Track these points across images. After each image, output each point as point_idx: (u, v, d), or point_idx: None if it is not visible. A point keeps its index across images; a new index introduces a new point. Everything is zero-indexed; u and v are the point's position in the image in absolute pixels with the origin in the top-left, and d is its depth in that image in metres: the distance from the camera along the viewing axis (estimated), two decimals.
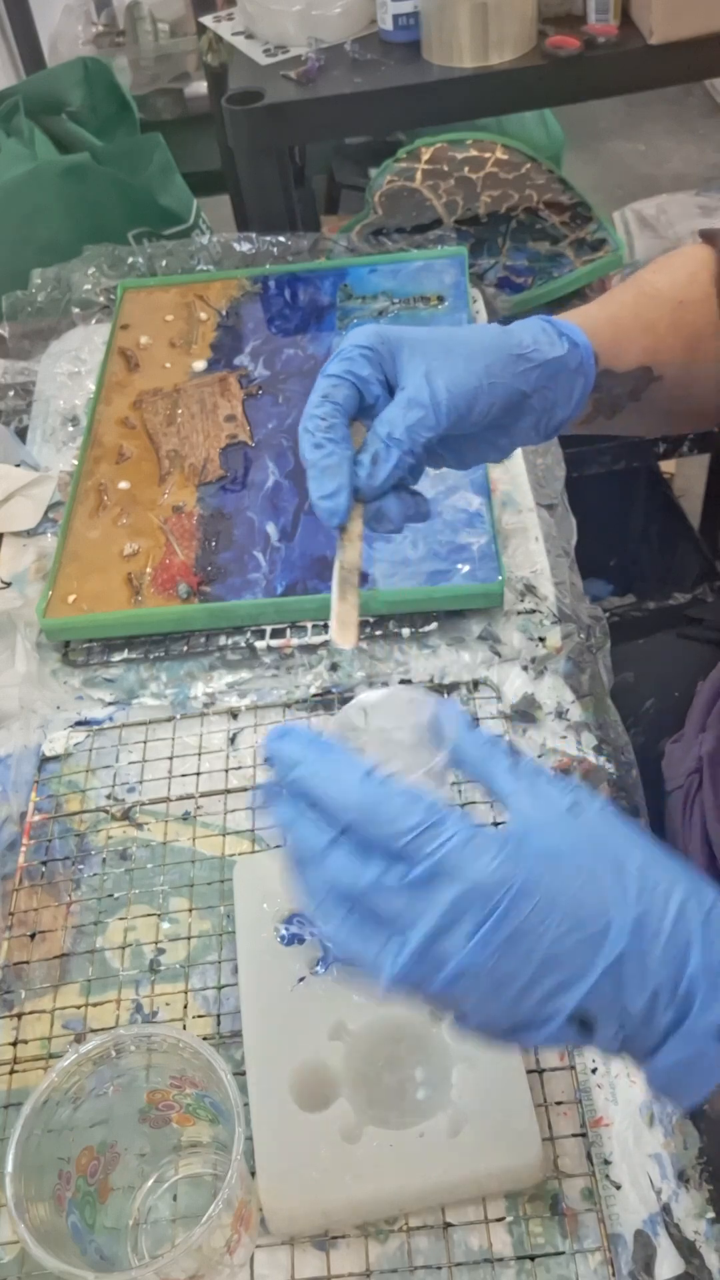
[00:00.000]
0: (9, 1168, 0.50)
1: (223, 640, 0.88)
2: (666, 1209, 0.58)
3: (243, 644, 0.88)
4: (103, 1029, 0.67)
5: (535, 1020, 0.41)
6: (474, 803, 0.76)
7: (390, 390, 0.60)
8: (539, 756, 0.78)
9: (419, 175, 1.61)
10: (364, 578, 0.89)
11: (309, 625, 0.88)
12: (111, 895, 0.74)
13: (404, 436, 0.57)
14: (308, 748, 0.45)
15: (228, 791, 0.79)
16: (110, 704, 0.86)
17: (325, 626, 0.88)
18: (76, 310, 1.23)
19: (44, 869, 0.76)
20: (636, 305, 0.70)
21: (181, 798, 0.79)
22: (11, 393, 1.15)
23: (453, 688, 0.83)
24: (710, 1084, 0.41)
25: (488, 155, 1.60)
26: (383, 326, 0.60)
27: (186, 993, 0.69)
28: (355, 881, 0.42)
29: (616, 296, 0.71)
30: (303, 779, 0.44)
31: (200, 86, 2.30)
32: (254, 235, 1.29)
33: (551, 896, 0.41)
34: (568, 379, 0.63)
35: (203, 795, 0.79)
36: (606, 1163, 0.60)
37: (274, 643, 0.87)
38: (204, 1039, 0.66)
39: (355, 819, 0.42)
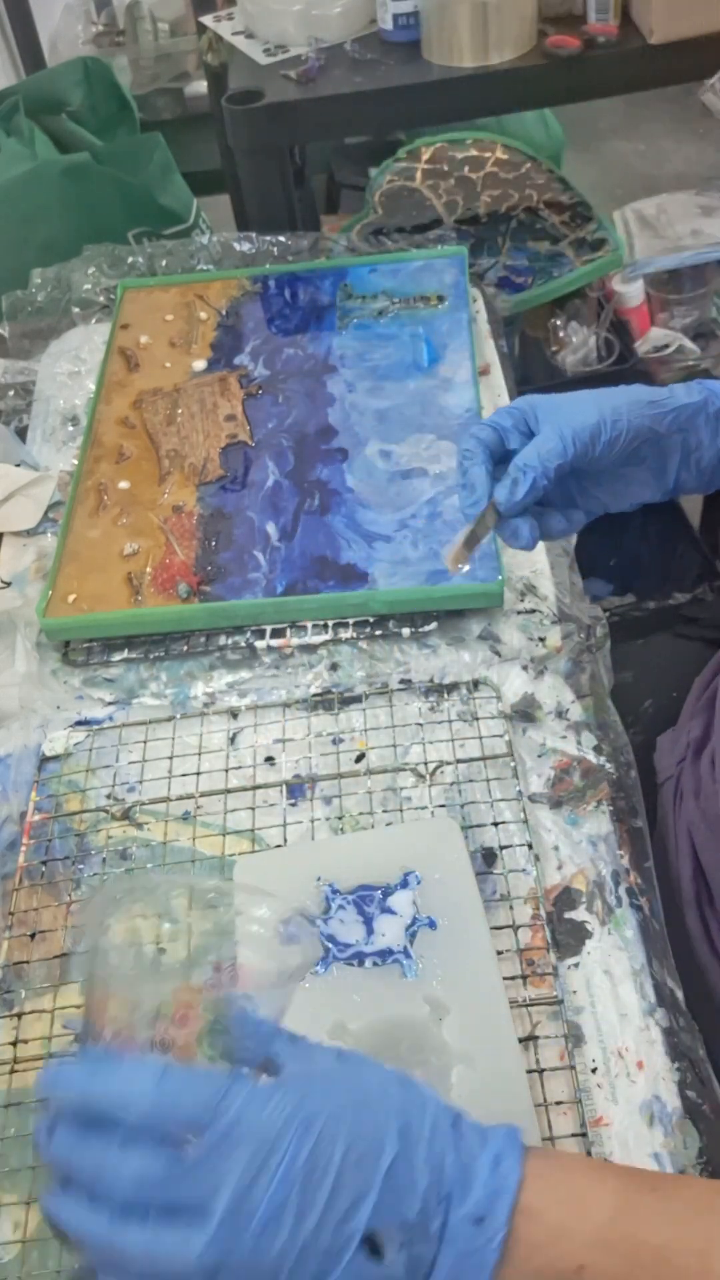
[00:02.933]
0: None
1: (223, 640, 0.88)
2: None
3: (243, 644, 0.88)
4: None
5: (332, 1249, 0.42)
6: (474, 802, 0.76)
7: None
8: (539, 756, 0.78)
9: (419, 175, 1.61)
10: (364, 577, 0.89)
11: (309, 625, 0.88)
12: (111, 896, 0.74)
13: (536, 463, 0.66)
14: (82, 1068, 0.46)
15: (228, 791, 0.79)
16: (110, 704, 0.86)
17: (325, 626, 0.88)
18: (76, 310, 1.23)
19: (44, 869, 0.76)
20: None
21: (181, 797, 0.79)
22: (11, 392, 1.15)
23: (453, 688, 0.83)
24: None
25: (488, 155, 1.60)
26: (520, 399, 0.69)
27: None
28: (149, 1173, 0.42)
29: None
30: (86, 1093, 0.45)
31: (200, 86, 2.30)
32: (254, 235, 1.29)
33: (333, 1119, 0.44)
34: (708, 423, 0.69)
35: (203, 795, 0.79)
36: None
37: (274, 642, 0.87)
38: None
39: (142, 1120, 0.43)
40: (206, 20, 1.69)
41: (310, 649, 0.87)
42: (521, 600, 0.88)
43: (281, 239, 1.28)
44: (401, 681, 0.84)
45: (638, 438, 0.68)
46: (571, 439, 0.66)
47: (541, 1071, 0.63)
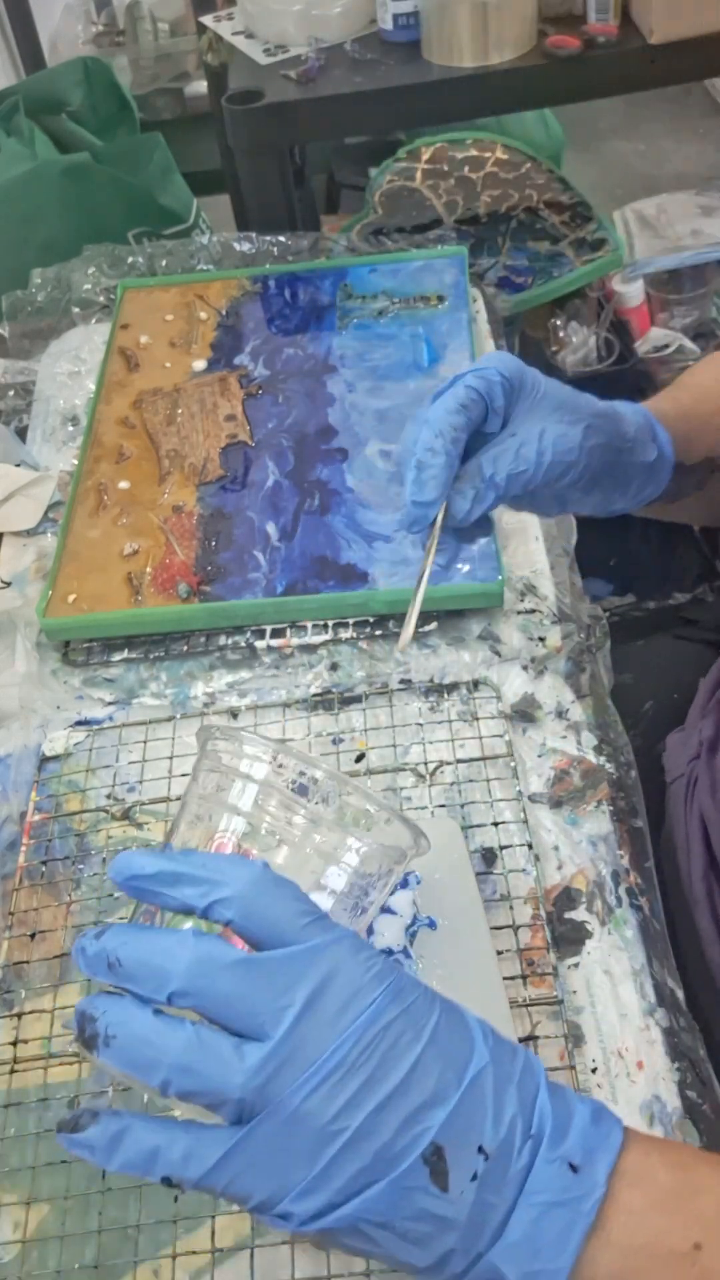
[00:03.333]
0: None
1: (223, 640, 0.88)
2: None
3: (243, 644, 0.88)
4: None
5: (388, 1155, 0.37)
6: (474, 802, 0.76)
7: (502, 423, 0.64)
8: (539, 756, 0.78)
9: (419, 175, 1.61)
10: (364, 577, 0.89)
11: (309, 625, 0.88)
12: (112, 895, 0.74)
13: (504, 482, 0.62)
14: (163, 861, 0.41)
15: None
16: (110, 704, 0.86)
17: (325, 626, 0.88)
18: (76, 310, 1.23)
19: (44, 869, 0.76)
20: (697, 405, 0.74)
21: (181, 798, 0.79)
22: (11, 392, 1.15)
23: (453, 688, 0.83)
24: (569, 1245, 0.38)
25: (488, 155, 1.61)
26: (521, 363, 0.64)
27: None
28: (217, 956, 0.38)
29: (677, 395, 0.75)
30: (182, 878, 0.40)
31: (200, 86, 2.30)
32: (254, 235, 1.29)
33: (424, 1003, 0.40)
34: (643, 477, 0.69)
35: None
36: None
37: (274, 642, 0.87)
38: None
39: (238, 911, 0.39)
40: (206, 20, 1.69)
41: (310, 649, 0.87)
42: (521, 600, 0.88)
43: (281, 239, 1.28)
44: (401, 681, 0.84)
45: (598, 477, 0.66)
46: (548, 466, 0.63)
47: None
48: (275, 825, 0.46)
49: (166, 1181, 0.38)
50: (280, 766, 0.48)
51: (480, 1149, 0.38)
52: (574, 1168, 0.38)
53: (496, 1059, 0.40)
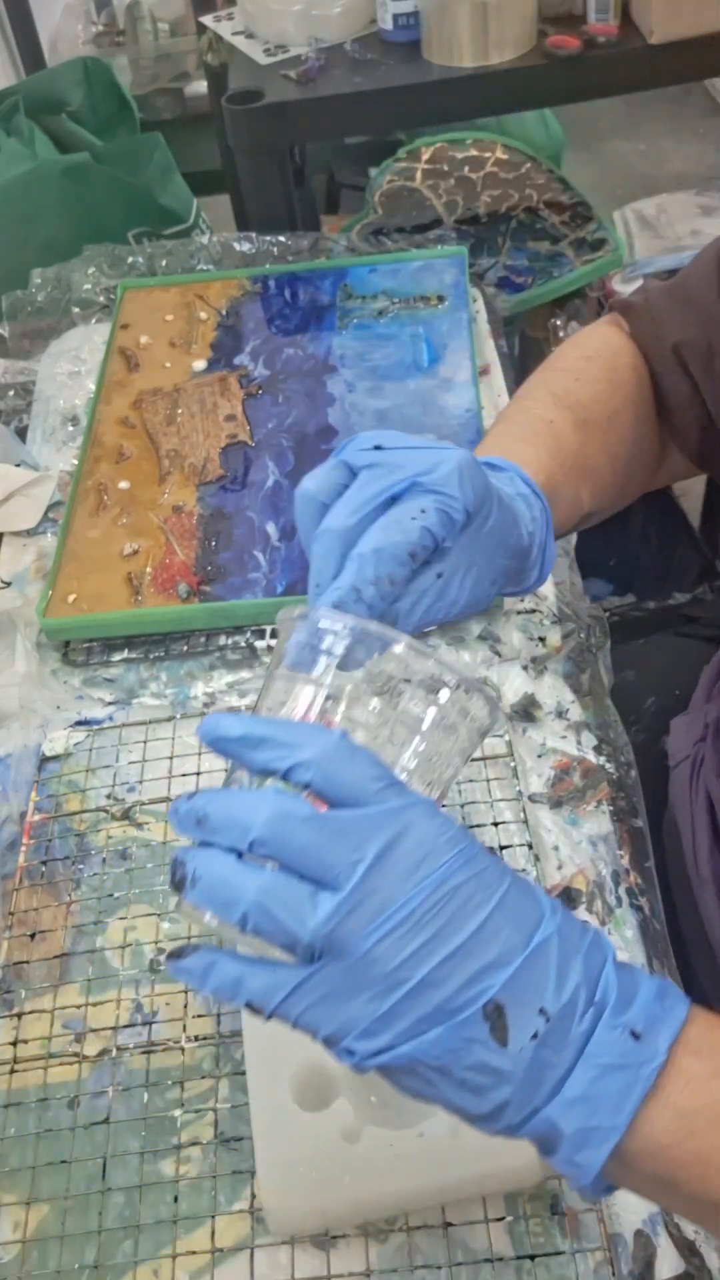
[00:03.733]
0: None
1: (223, 640, 0.88)
2: (667, 1209, 0.58)
3: (243, 644, 0.88)
4: (103, 1029, 0.67)
5: (449, 1008, 0.39)
6: (474, 802, 0.76)
7: None
8: (539, 756, 0.78)
9: (419, 175, 1.61)
10: None
11: None
12: (111, 895, 0.74)
13: (415, 625, 0.54)
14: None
15: None
16: (110, 704, 0.86)
17: None
18: (76, 310, 1.23)
19: (44, 869, 0.76)
20: (583, 448, 0.67)
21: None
22: (11, 392, 1.15)
23: None
24: (627, 1105, 0.40)
25: (488, 155, 1.61)
26: (484, 485, 0.53)
27: (186, 992, 0.69)
28: (295, 810, 0.40)
29: (566, 438, 0.66)
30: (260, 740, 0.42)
31: (200, 86, 2.30)
32: (254, 235, 1.29)
33: (495, 871, 0.41)
34: (524, 583, 0.62)
35: None
36: None
37: (274, 642, 0.87)
38: (203, 1039, 0.66)
39: (317, 773, 0.41)
40: (206, 20, 1.69)
41: None
42: (521, 600, 0.88)
43: (281, 239, 1.28)
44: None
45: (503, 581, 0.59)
46: (461, 608, 0.56)
47: None
48: (356, 696, 0.47)
49: (250, 1007, 0.41)
50: (360, 640, 0.48)
51: (542, 1010, 0.40)
52: (636, 1035, 0.40)
53: (564, 931, 0.41)
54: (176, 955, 0.43)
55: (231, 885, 0.40)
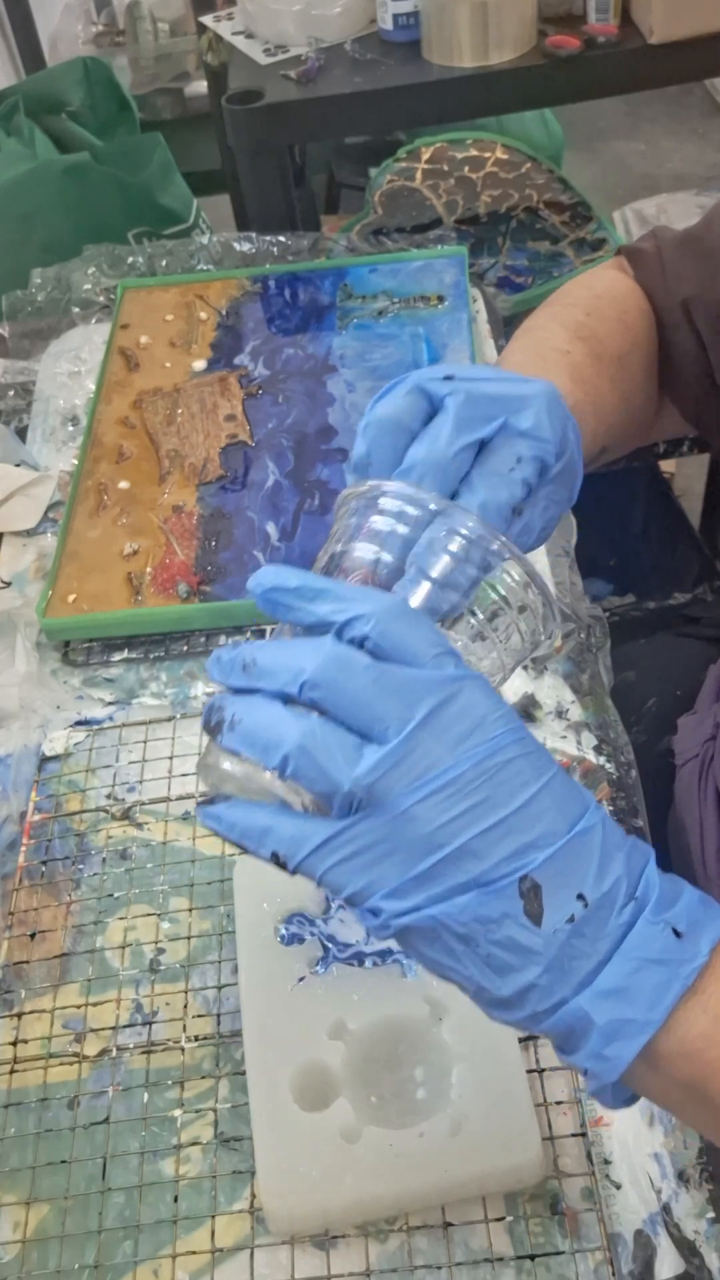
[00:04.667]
0: None
1: (223, 640, 0.88)
2: (666, 1209, 0.58)
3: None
4: (103, 1029, 0.67)
5: (484, 878, 0.38)
6: None
7: None
8: None
9: (419, 175, 1.61)
10: None
11: None
12: (111, 895, 0.74)
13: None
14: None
15: None
16: (110, 704, 0.86)
17: None
18: (76, 310, 1.23)
19: (44, 869, 0.76)
20: (598, 381, 0.64)
21: (181, 797, 0.79)
22: (11, 392, 1.15)
23: None
24: (664, 1000, 0.39)
25: (488, 155, 1.61)
26: (568, 424, 0.51)
27: (186, 992, 0.69)
28: (352, 657, 0.39)
29: (584, 369, 0.63)
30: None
31: (200, 86, 2.30)
32: (254, 235, 1.29)
33: (543, 755, 0.41)
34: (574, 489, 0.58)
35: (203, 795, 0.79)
36: (606, 1162, 0.60)
37: None
38: (204, 1039, 0.66)
39: (375, 628, 0.40)
40: (206, 20, 1.69)
41: None
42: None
43: (281, 239, 1.28)
44: None
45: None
46: (535, 537, 0.53)
47: (541, 1071, 0.63)
48: (419, 561, 0.45)
49: (276, 860, 0.40)
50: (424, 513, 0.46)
51: (580, 896, 0.39)
52: (678, 933, 0.39)
53: (608, 825, 0.40)
54: (206, 802, 0.42)
55: (275, 728, 0.39)
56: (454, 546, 0.45)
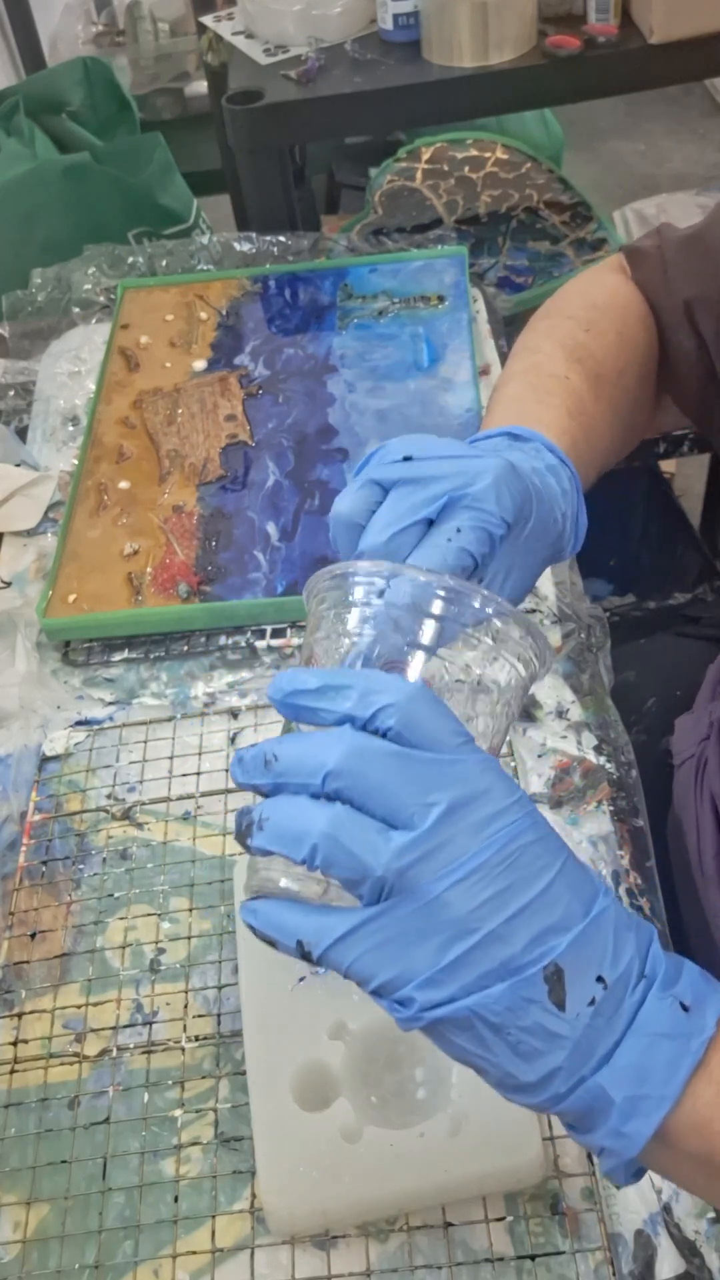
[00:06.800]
0: None
1: (223, 640, 0.88)
2: (667, 1209, 0.58)
3: (243, 644, 0.88)
4: (103, 1029, 0.67)
5: (512, 965, 0.39)
6: None
7: None
8: (539, 756, 0.78)
9: (419, 175, 1.61)
10: None
11: None
12: (112, 895, 0.74)
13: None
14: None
15: (228, 791, 0.79)
16: (110, 704, 0.86)
17: None
18: (76, 310, 1.23)
19: (44, 869, 0.76)
20: (595, 406, 0.64)
21: (182, 797, 0.79)
22: (11, 392, 1.15)
23: None
24: (677, 1075, 0.40)
25: (488, 155, 1.61)
26: (522, 493, 0.51)
27: (187, 992, 0.69)
28: (374, 745, 0.40)
29: (582, 396, 0.64)
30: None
31: (200, 86, 2.30)
32: (254, 235, 1.29)
33: (556, 839, 0.41)
34: (564, 553, 0.59)
35: (203, 795, 0.79)
36: None
37: (274, 642, 0.87)
38: (204, 1039, 0.66)
39: (400, 718, 0.40)
40: (206, 20, 1.69)
41: None
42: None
43: (281, 239, 1.28)
44: None
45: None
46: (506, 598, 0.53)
47: None
48: (410, 641, 0.46)
49: (301, 950, 0.40)
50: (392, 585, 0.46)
51: (599, 979, 0.40)
52: (685, 1007, 0.40)
53: (617, 906, 0.42)
54: (248, 901, 0.43)
55: (301, 820, 0.39)
56: (436, 609, 0.45)
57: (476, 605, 0.46)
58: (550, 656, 0.49)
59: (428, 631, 0.46)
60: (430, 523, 0.50)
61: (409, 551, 0.49)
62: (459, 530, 0.49)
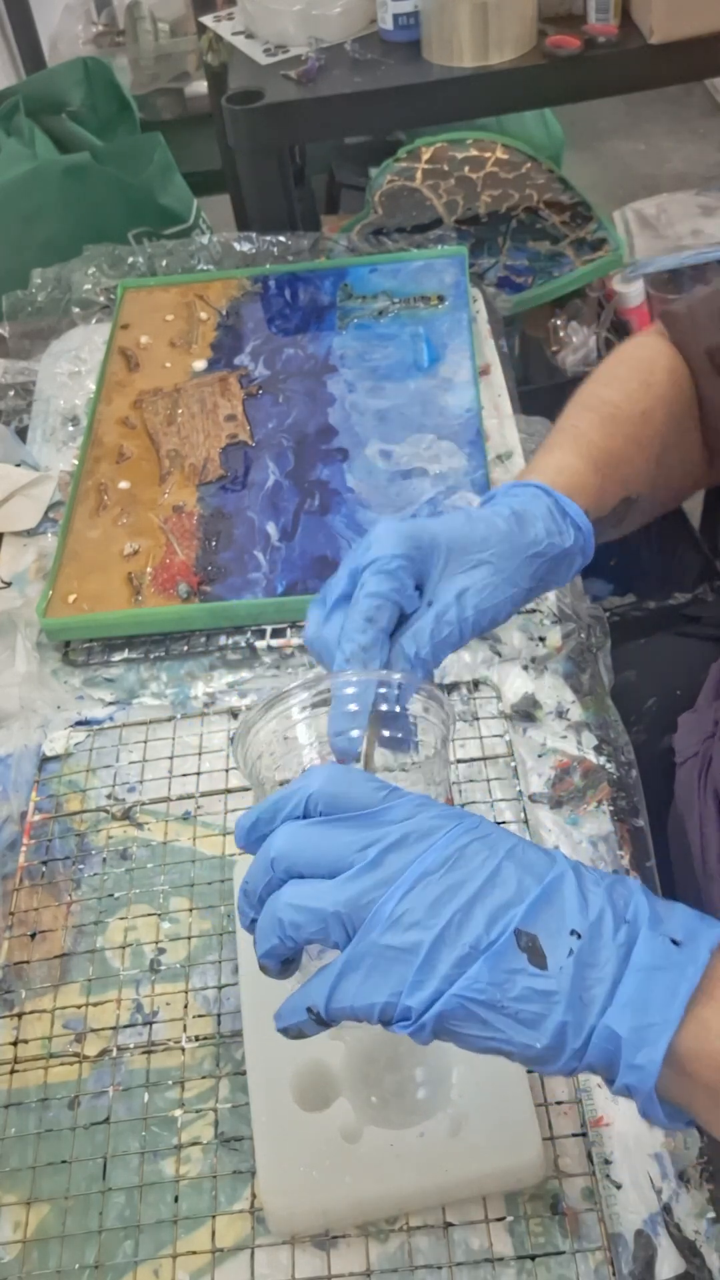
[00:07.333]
0: None
1: (223, 640, 0.88)
2: (667, 1209, 0.58)
3: (243, 644, 0.88)
4: (103, 1029, 0.67)
5: (481, 944, 0.42)
6: (474, 802, 0.76)
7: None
8: (539, 756, 0.78)
9: (419, 175, 1.61)
10: None
11: None
12: (112, 895, 0.74)
13: (430, 655, 0.58)
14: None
15: (228, 791, 0.79)
16: (110, 704, 0.86)
17: None
18: (76, 310, 1.23)
19: (44, 869, 0.76)
20: (608, 441, 0.70)
21: (182, 797, 0.79)
22: (11, 393, 1.15)
23: (453, 687, 0.83)
24: (676, 1000, 0.41)
25: (488, 155, 1.61)
26: (413, 527, 0.58)
27: (187, 992, 0.69)
28: (298, 826, 0.45)
29: (588, 435, 0.70)
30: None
31: (200, 86, 2.30)
32: (254, 235, 1.29)
33: (496, 838, 0.45)
34: (570, 562, 0.65)
35: (203, 795, 0.79)
36: (607, 1162, 0.60)
37: (274, 642, 0.87)
38: (204, 1039, 0.66)
39: (323, 797, 0.45)
40: (206, 20, 1.69)
41: None
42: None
43: (281, 239, 1.28)
44: None
45: (524, 598, 0.62)
46: (473, 625, 0.59)
47: None
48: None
49: (312, 1015, 0.45)
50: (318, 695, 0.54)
51: (573, 931, 0.42)
52: (676, 942, 0.42)
53: (579, 870, 0.44)
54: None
55: (271, 910, 0.45)
56: (352, 707, 0.53)
57: (383, 689, 0.53)
58: (450, 712, 0.56)
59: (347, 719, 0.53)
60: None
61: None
62: (361, 585, 0.57)
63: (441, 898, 0.42)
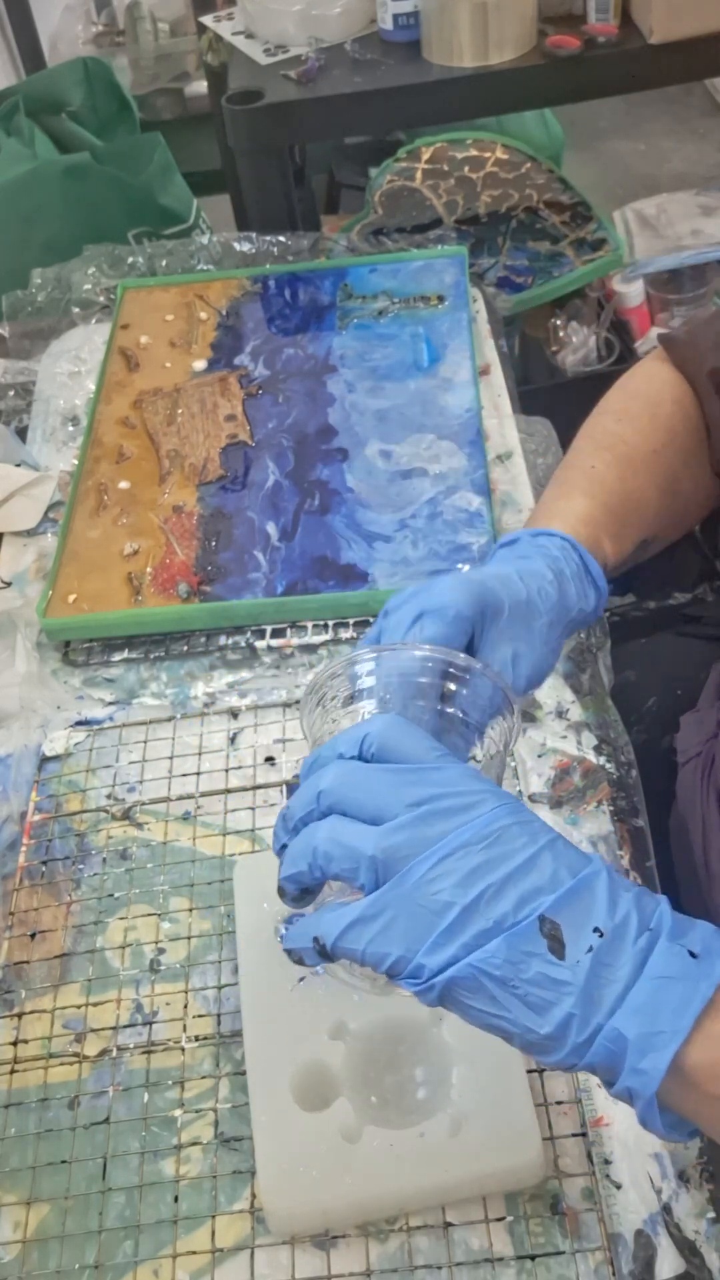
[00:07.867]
0: None
1: (223, 640, 0.88)
2: (667, 1209, 0.58)
3: (243, 644, 0.88)
4: (103, 1029, 0.67)
5: (506, 922, 0.43)
6: None
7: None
8: (539, 756, 0.78)
9: (419, 175, 1.61)
10: (364, 577, 0.89)
11: (309, 625, 0.88)
12: (111, 895, 0.74)
13: (484, 722, 0.57)
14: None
15: (228, 791, 0.79)
16: (110, 704, 0.86)
17: (326, 626, 0.88)
18: (76, 310, 1.23)
19: (44, 869, 0.76)
20: (625, 484, 0.70)
21: (182, 797, 0.79)
22: (11, 393, 1.15)
23: None
24: (688, 1012, 0.41)
25: (488, 155, 1.60)
26: (480, 587, 0.58)
27: (187, 992, 0.69)
28: (354, 765, 0.46)
29: (605, 477, 0.70)
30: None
31: (200, 86, 2.30)
32: (254, 235, 1.29)
33: (536, 827, 0.45)
34: (585, 623, 0.66)
35: (203, 795, 0.79)
36: (607, 1162, 0.60)
37: (274, 642, 0.87)
38: (204, 1039, 0.66)
39: (379, 739, 0.47)
40: (206, 20, 1.69)
41: (311, 649, 0.87)
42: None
43: (281, 239, 1.28)
44: None
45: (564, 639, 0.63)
46: (525, 688, 0.60)
47: (541, 1071, 0.63)
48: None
49: (318, 946, 0.45)
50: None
51: (596, 929, 0.43)
52: (694, 955, 0.43)
53: (613, 873, 0.45)
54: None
55: (307, 838, 0.46)
56: (425, 678, 0.53)
57: (460, 662, 0.54)
58: (518, 723, 0.56)
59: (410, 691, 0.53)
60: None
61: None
62: (421, 629, 0.57)
63: (479, 869, 0.43)
